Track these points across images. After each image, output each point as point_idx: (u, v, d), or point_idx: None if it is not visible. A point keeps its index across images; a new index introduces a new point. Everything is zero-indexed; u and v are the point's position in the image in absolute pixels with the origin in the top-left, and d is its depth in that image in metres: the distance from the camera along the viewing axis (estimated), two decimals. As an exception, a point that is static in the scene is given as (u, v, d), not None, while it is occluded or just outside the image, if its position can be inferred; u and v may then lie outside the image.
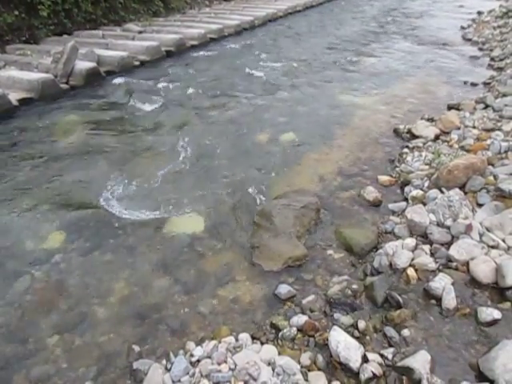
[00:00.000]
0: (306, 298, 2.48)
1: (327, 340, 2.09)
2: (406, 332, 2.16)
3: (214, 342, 2.17)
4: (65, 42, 6.87)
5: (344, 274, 2.69)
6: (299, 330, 2.24)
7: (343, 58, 8.34)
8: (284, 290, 2.53)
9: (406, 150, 4.26)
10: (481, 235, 2.68)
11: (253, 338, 2.24)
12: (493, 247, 2.59)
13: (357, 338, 2.13)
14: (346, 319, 2.28)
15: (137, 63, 7.68)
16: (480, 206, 2.99)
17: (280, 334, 2.24)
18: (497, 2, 14.23)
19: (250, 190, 3.68)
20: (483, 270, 2.41)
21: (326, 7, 16.06)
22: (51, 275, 2.80)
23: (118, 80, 6.79)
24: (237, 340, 2.20)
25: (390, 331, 2.17)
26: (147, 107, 5.71)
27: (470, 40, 9.55)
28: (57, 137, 4.85)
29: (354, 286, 2.50)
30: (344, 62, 8.03)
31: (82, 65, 6.67)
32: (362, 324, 2.22)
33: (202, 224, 3.27)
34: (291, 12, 13.79)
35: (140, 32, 9.25)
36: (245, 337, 2.22)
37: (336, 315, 2.33)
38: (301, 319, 2.28)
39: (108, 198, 3.61)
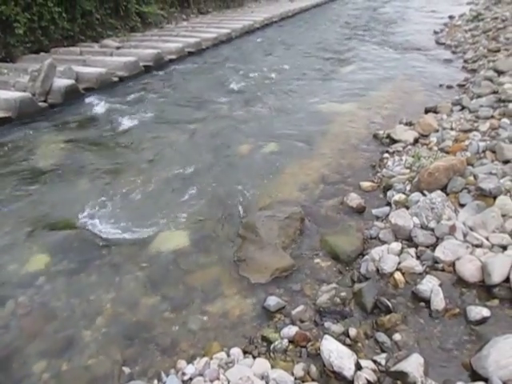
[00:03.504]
0: (295, 308, 2.47)
1: (319, 350, 2.08)
2: (397, 336, 2.16)
3: (205, 359, 2.15)
4: (42, 60, 6.80)
5: (332, 282, 2.68)
6: (290, 341, 2.23)
7: (321, 66, 8.44)
8: (273, 301, 2.51)
9: (386, 154, 4.30)
10: (465, 235, 2.71)
11: (244, 352, 2.22)
12: (477, 246, 2.62)
13: (349, 346, 2.12)
14: (337, 327, 2.28)
15: (115, 79, 7.64)
16: (462, 206, 3.03)
17: (272, 346, 2.22)
18: (467, 7, 14.60)
19: (234, 202, 3.67)
20: (469, 269, 2.44)
21: (301, 17, 16.27)
22: (35, 299, 2.73)
23: (97, 97, 6.74)
24: (228, 355, 2.17)
25: (382, 336, 2.18)
26: (127, 123, 5.67)
27: (443, 44, 9.76)
28: (36, 156, 4.78)
29: (343, 294, 2.50)
30: (322, 70, 8.12)
31: (61, 82, 6.60)
32: (352, 331, 2.22)
33: (188, 239, 3.24)
34: (268, 23, 13.91)
35: (118, 48, 9.23)
36: (236, 352, 2.19)
37: (326, 324, 2.32)
38: (291, 330, 2.27)
39: (91, 217, 3.56)
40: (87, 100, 6.68)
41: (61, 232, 3.42)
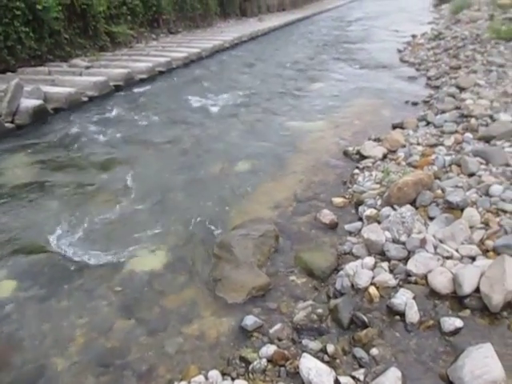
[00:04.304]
0: (272, 327, 2.46)
1: (298, 368, 2.08)
2: (374, 351, 2.18)
3: (183, 384, 2.11)
4: (8, 80, 6.66)
5: (308, 298, 2.69)
6: (269, 360, 2.21)
7: (290, 85, 8.58)
8: (250, 321, 2.50)
9: (356, 170, 4.38)
10: (435, 247, 2.79)
11: (223, 374, 2.19)
12: (447, 258, 2.70)
13: (327, 363, 2.13)
14: (315, 344, 2.28)
15: (85, 99, 7.54)
16: (431, 219, 3.12)
17: (250, 366, 2.20)
18: (428, 26, 15.21)
19: (208, 222, 3.65)
20: (441, 281, 2.50)
21: (270, 36, 16.57)
22: (2, 328, 2.63)
23: (66, 117, 6.65)
24: (207, 378, 2.14)
25: (359, 352, 2.20)
26: (97, 143, 5.61)
27: (407, 62, 10.08)
28: (2, 178, 4.65)
29: (319, 310, 2.51)
30: (291, 89, 8.25)
31: (28, 102, 6.47)
32: (330, 348, 2.23)
33: (162, 261, 3.20)
34: (237, 42, 14.10)
35: (87, 67, 9.15)
36: (215, 374, 2.16)
37: (304, 341, 2.32)
38: (270, 349, 2.25)
39: (61, 240, 3.48)
40: (56, 120, 6.57)
41: (30, 256, 3.32)
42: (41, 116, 6.51)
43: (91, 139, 5.74)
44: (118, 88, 8.33)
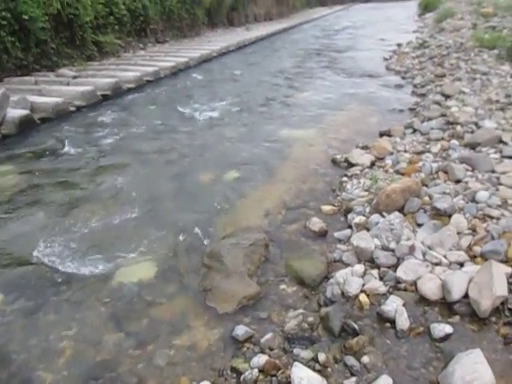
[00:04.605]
0: (264, 336, 2.44)
1: (289, 377, 2.07)
2: (365, 359, 2.18)
3: (173, 396, 2.09)
4: (-6, 91, 6.61)
5: (299, 307, 2.69)
6: (260, 370, 2.19)
7: (278, 93, 8.63)
8: (241, 331, 2.48)
9: (345, 178, 4.41)
10: (424, 254, 2.82)
11: (214, 385, 2.18)
12: (436, 264, 2.72)
13: (319, 372, 2.12)
14: (306, 353, 2.27)
15: (73, 109, 7.51)
16: (420, 225, 3.15)
17: (242, 377, 2.18)
18: (413, 35, 15.47)
19: (198, 231, 3.63)
20: (430, 288, 2.52)
21: (258, 45, 16.69)
22: (-13, 344, 2.58)
23: (53, 127, 6.61)
24: (198, 390, 2.12)
25: (350, 360, 2.19)
26: (85, 153, 5.57)
27: (393, 70, 10.21)
28: (-12, 190, 4.59)
29: (310, 319, 2.51)
30: (279, 98, 8.30)
31: (15, 112, 6.42)
32: (322, 356, 2.22)
33: (152, 271, 3.17)
34: (225, 52, 14.17)
35: (74, 77, 9.11)
36: (206, 385, 2.14)
37: (296, 350, 2.31)
38: (261, 359, 2.24)
39: (49, 251, 3.43)
40: (43, 130, 6.53)
41: (16, 269, 3.28)
42: (27, 126, 6.46)
43: (78, 149, 5.69)
44: (105, 97, 8.30)
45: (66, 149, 5.76)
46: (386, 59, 11.70)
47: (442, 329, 2.26)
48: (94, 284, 3.07)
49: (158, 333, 2.61)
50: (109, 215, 3.98)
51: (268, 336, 2.44)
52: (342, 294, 2.66)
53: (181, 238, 3.58)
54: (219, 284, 2.89)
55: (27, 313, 2.83)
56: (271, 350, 2.35)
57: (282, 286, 2.92)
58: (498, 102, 5.71)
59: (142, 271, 3.19)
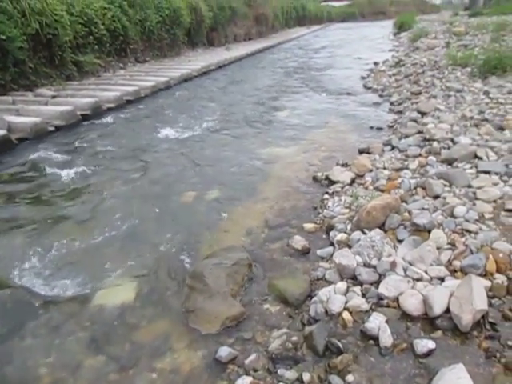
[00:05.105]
0: (248, 357, 2.42)
1: (274, 399, 2.05)
2: (350, 377, 2.17)
3: (156, 422, 2.03)
4: (-30, 112, 6.52)
5: (283, 326, 2.67)
6: (245, 392, 2.17)
7: (258, 112, 8.72)
8: (225, 352, 2.45)
9: (326, 195, 4.44)
10: (405, 270, 2.83)
11: (197, 409, 2.14)
12: (417, 280, 2.74)
13: (303, 392, 2.11)
14: (291, 374, 2.25)
15: (51, 128, 7.43)
16: (400, 241, 3.18)
17: (226, 400, 2.15)
18: (389, 53, 15.88)
19: (179, 251, 3.60)
20: (412, 303, 2.53)
21: (238, 65, 16.88)
22: (-38, 372, 2.49)
23: (31, 147, 6.51)
24: (181, 415, 2.08)
25: (335, 379, 2.17)
26: (64, 174, 5.49)
27: (370, 88, 10.42)
28: (-36, 213, 4.48)
29: (294, 338, 2.49)
30: (259, 116, 8.38)
31: (-9, 133, 6.33)
32: (306, 376, 2.20)
33: (133, 293, 3.12)
34: (205, 71, 14.26)
35: (53, 96, 9.03)
36: (189, 410, 2.10)
37: (280, 371, 2.29)
38: (245, 381, 2.21)
39: (26, 274, 3.35)
40: (21, 150, 6.42)
41: (-9, 293, 3.18)
42: (4, 146, 6.36)
43: (56, 169, 5.61)
44: (85, 117, 8.25)
45: (44, 169, 5.67)
46: (363, 77, 11.95)
47: (424, 344, 2.27)
48: (73, 307, 3.00)
49: (139, 356, 2.55)
50: (88, 236, 3.91)
51: (252, 357, 2.42)
52: (326, 312, 2.65)
53: (162, 258, 3.54)
54: (202, 305, 2.85)
55: (3, 338, 2.74)
56: (255, 371, 2.33)
57: (266, 306, 2.90)
58: (472, 118, 5.87)
59: (122, 293, 3.13)
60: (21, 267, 3.43)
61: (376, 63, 14.05)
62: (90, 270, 3.41)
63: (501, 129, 5.28)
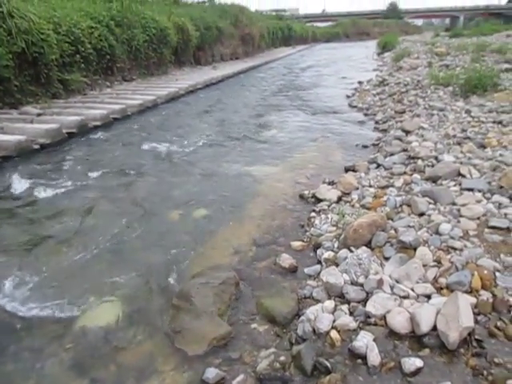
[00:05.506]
0: (235, 378, 2.38)
1: (262, 422, 2.01)
2: (338, 398, 2.16)
3: None
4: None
5: (270, 346, 2.64)
6: (232, 415, 2.13)
7: (245, 131, 8.77)
8: (211, 373, 2.41)
9: (313, 213, 4.45)
10: (392, 287, 2.84)
11: (184, 433, 2.09)
12: (404, 297, 2.75)
13: (291, 414, 2.08)
14: (279, 395, 2.23)
15: (36, 146, 7.35)
16: (387, 259, 3.19)
17: (213, 423, 2.11)
18: (373, 73, 16.21)
19: (166, 271, 3.56)
20: (399, 321, 2.54)
21: (225, 83, 17.03)
22: None
23: (15, 165, 6.44)
24: None
25: (323, 400, 2.16)
26: (48, 193, 5.42)
27: (355, 107, 10.59)
28: None
29: (282, 358, 2.47)
30: (246, 134, 8.43)
31: (-26, 152, 6.25)
32: (294, 397, 2.18)
33: (118, 314, 3.06)
34: (192, 90, 14.36)
35: (39, 114, 8.97)
36: (175, 434, 2.05)
37: (268, 392, 2.26)
38: (233, 403, 2.18)
39: (8, 296, 3.27)
40: (4, 169, 6.34)
41: (-29, 316, 3.10)
42: (-13, 165, 6.29)
43: (41, 188, 5.54)
44: (71, 135, 8.20)
45: (28, 188, 5.60)
46: (348, 96, 12.14)
47: (412, 363, 2.26)
48: (57, 329, 2.94)
49: (124, 379, 2.50)
50: (73, 256, 3.85)
51: (240, 378, 2.38)
52: (314, 331, 2.64)
53: (149, 278, 3.49)
54: (189, 325, 2.82)
55: (-18, 364, 2.66)
56: (243, 392, 2.29)
57: (254, 325, 2.87)
58: (455, 136, 5.99)
59: (107, 314, 3.08)
60: (1, 289, 3.36)
61: (360, 82, 14.31)
62: (74, 290, 3.35)
63: (482, 147, 5.40)
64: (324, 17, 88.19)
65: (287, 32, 41.89)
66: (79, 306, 3.16)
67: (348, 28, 68.80)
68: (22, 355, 2.73)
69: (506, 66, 11.11)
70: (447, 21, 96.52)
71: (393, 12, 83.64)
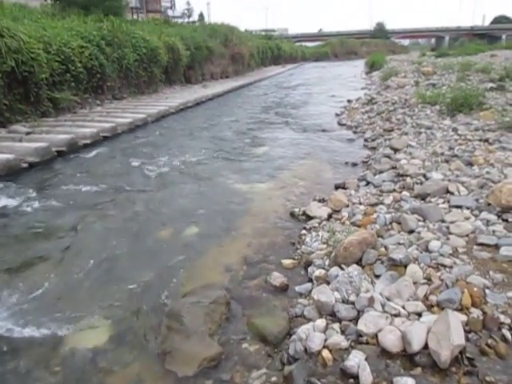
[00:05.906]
0: (226, 400, 2.35)
1: None
2: (330, 419, 2.13)
3: None
4: None
5: (262, 366, 2.61)
6: None
7: (236, 149, 8.81)
8: (202, 396, 2.38)
9: (304, 231, 4.45)
10: (383, 305, 2.83)
11: None
12: (395, 315, 2.73)
13: None
14: (270, 417, 2.19)
15: (25, 165, 7.31)
16: (377, 277, 3.19)
17: None
18: (362, 91, 16.45)
19: (156, 290, 3.52)
20: (391, 340, 2.51)
21: (215, 102, 17.16)
22: None
23: (3, 184, 6.37)
24: None
25: (315, 421, 2.13)
26: (37, 211, 5.38)
27: (344, 125, 10.71)
28: None
29: (274, 379, 2.44)
30: (237, 152, 8.47)
31: (-38, 170, 6.19)
32: (286, 419, 2.15)
33: (107, 335, 3.01)
34: (183, 108, 14.44)
35: (28, 133, 8.93)
36: None
37: (259, 414, 2.23)
38: (223, 426, 2.14)
39: (-6, 317, 3.21)
40: (-8, 188, 6.28)
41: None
42: (-25, 184, 6.22)
43: (29, 207, 5.50)
44: (60, 153, 8.16)
45: (16, 207, 5.55)
46: (337, 115, 12.29)
47: (404, 382, 2.24)
48: (44, 351, 2.88)
49: (113, 403, 2.45)
50: (62, 275, 3.80)
51: (231, 400, 2.35)
52: (305, 350, 2.60)
53: (139, 297, 3.45)
54: (179, 346, 2.78)
55: (-33, 388, 2.60)
56: (234, 415, 2.25)
57: (245, 345, 2.84)
58: (442, 154, 6.07)
59: (96, 335, 3.02)
60: (-13, 309, 3.30)
61: (349, 101, 14.50)
62: (62, 311, 3.29)
63: (470, 164, 5.48)
64: (312, 36, 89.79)
65: (277, 51, 42.56)
66: (67, 327, 3.11)
67: (337, 47, 70.07)
68: (7, 379, 2.66)
69: (491, 85, 11.35)
70: (433, 41, 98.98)
71: (380, 32, 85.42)
